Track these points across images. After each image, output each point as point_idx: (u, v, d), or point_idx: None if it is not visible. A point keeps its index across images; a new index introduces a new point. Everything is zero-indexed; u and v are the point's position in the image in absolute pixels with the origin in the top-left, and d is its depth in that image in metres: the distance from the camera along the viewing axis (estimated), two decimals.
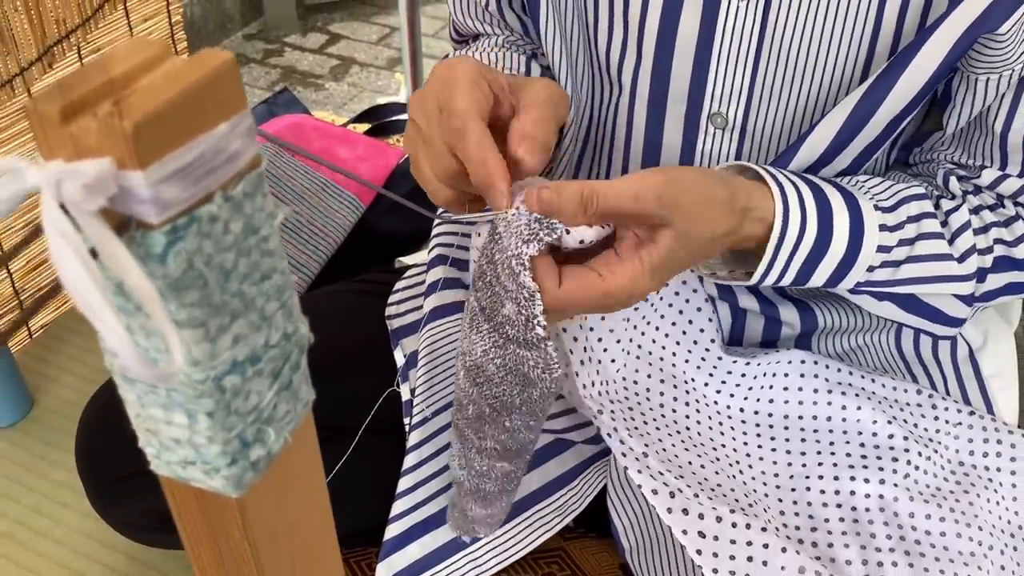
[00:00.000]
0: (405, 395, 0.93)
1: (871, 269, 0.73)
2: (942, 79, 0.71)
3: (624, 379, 0.78)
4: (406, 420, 0.91)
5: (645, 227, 0.62)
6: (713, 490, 0.74)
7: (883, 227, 0.72)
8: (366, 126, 1.65)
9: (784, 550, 0.68)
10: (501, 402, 0.65)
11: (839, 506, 0.75)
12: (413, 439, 0.88)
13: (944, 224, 0.76)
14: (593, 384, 0.74)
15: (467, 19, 0.92)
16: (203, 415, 0.31)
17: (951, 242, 0.75)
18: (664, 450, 0.75)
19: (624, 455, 0.72)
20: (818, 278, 0.72)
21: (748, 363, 0.81)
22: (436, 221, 1.00)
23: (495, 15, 0.89)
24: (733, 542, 0.69)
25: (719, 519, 0.70)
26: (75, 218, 0.25)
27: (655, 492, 0.71)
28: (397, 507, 0.86)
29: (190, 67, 0.27)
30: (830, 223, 0.70)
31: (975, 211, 0.77)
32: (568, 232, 0.60)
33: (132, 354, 0.24)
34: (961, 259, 0.75)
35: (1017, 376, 0.88)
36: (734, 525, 0.69)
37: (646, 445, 0.74)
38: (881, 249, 0.72)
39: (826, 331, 0.85)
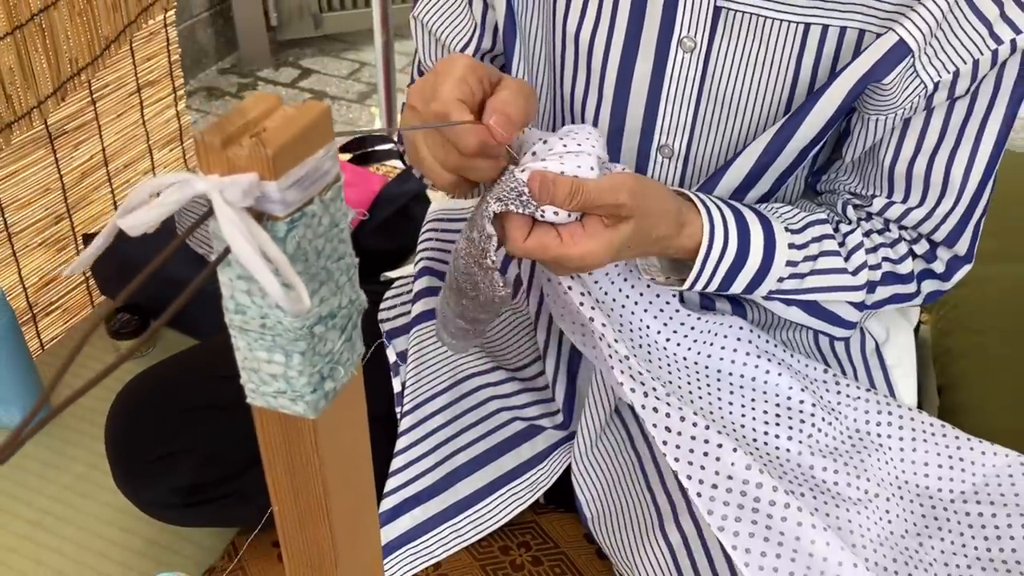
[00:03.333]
0: (396, 387, 1.05)
1: (781, 280, 0.87)
2: (841, 117, 0.85)
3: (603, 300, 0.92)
4: (398, 409, 1.03)
5: (612, 217, 0.75)
6: (680, 398, 0.86)
7: (791, 245, 0.86)
8: (347, 156, 1.78)
9: (735, 450, 0.80)
10: (460, 287, 0.81)
11: (757, 449, 0.88)
12: (404, 424, 1.00)
13: (841, 244, 0.90)
14: (582, 295, 0.85)
15: (433, 64, 1.00)
16: (297, 354, 0.44)
17: (847, 259, 0.89)
18: (639, 362, 0.87)
19: (610, 356, 0.83)
20: (737, 286, 0.86)
21: (699, 318, 0.94)
22: (421, 238, 1.13)
23: None
24: (693, 438, 0.81)
25: (682, 419, 0.82)
26: (231, 213, 0.38)
27: (633, 390, 0.82)
28: (390, 483, 0.98)
29: (301, 112, 0.41)
30: (747, 242, 0.84)
31: (867, 234, 0.92)
32: (543, 215, 0.73)
33: (281, 294, 0.37)
34: (855, 272, 0.89)
35: (915, 364, 1.02)
36: (695, 425, 0.81)
37: (629, 350, 0.86)
38: (789, 263, 0.86)
39: (754, 324, 0.99)
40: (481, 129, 0.70)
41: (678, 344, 0.93)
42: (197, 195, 0.40)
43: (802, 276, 0.88)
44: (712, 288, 0.85)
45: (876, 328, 1.03)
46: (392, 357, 1.07)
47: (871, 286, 0.91)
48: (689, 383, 0.92)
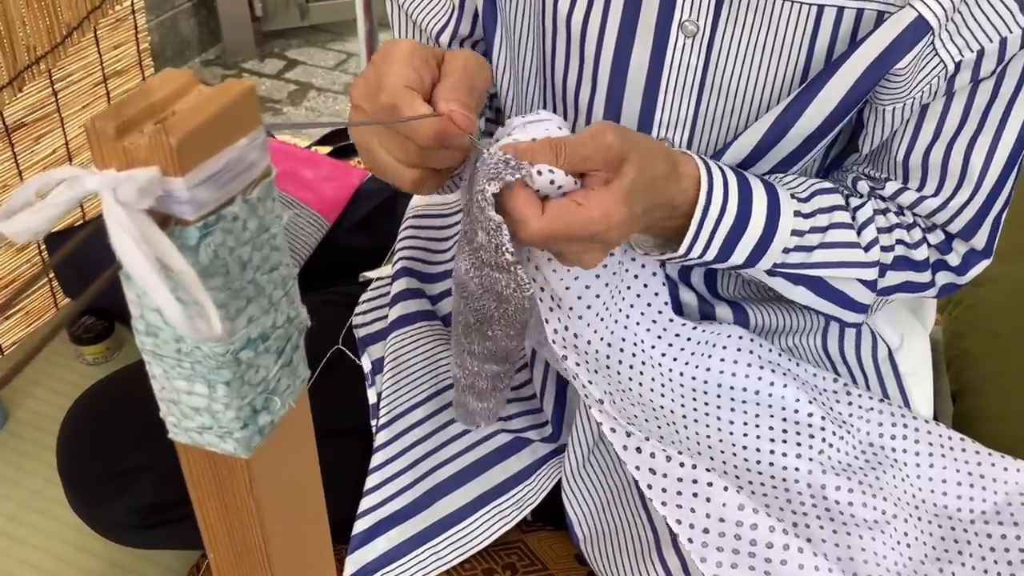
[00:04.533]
0: (372, 399, 0.98)
1: (787, 251, 0.80)
2: (852, 108, 0.78)
3: (585, 329, 0.84)
4: (373, 422, 0.96)
5: (610, 168, 0.67)
6: (661, 439, 0.80)
7: (797, 213, 0.79)
8: (328, 148, 1.71)
9: (726, 489, 0.74)
10: (482, 314, 0.72)
11: (760, 473, 0.82)
12: (380, 438, 0.93)
13: (853, 217, 0.83)
14: (556, 331, 0.79)
15: None
16: (221, 384, 0.37)
17: (858, 232, 0.83)
18: (615, 403, 0.81)
19: (586, 397, 0.77)
20: (738, 255, 0.78)
21: (694, 328, 0.87)
22: (400, 236, 1.06)
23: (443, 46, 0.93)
24: (680, 479, 0.74)
25: (668, 458, 0.75)
26: (127, 216, 0.31)
27: (613, 431, 0.76)
28: (365, 503, 0.91)
29: (217, 93, 0.33)
30: (749, 202, 0.77)
31: (882, 212, 0.85)
32: (540, 174, 0.65)
33: (182, 319, 0.30)
34: (867, 248, 0.82)
35: (931, 373, 0.96)
36: (682, 465, 0.75)
37: (604, 392, 0.80)
38: (795, 233, 0.79)
39: (758, 330, 0.92)
40: (439, 119, 0.63)
41: (674, 359, 0.86)
42: (88, 195, 0.33)
43: (809, 249, 0.81)
44: (710, 256, 0.78)
45: (889, 333, 0.96)
46: (367, 366, 1.00)
47: (882, 269, 0.84)
48: (683, 403, 0.85)
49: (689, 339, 0.87)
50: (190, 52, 3.12)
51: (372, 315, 1.05)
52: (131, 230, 0.30)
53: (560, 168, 0.66)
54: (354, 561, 0.88)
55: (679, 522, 0.73)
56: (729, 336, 0.88)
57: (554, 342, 0.77)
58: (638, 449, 0.75)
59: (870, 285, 0.84)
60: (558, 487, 0.92)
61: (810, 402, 0.85)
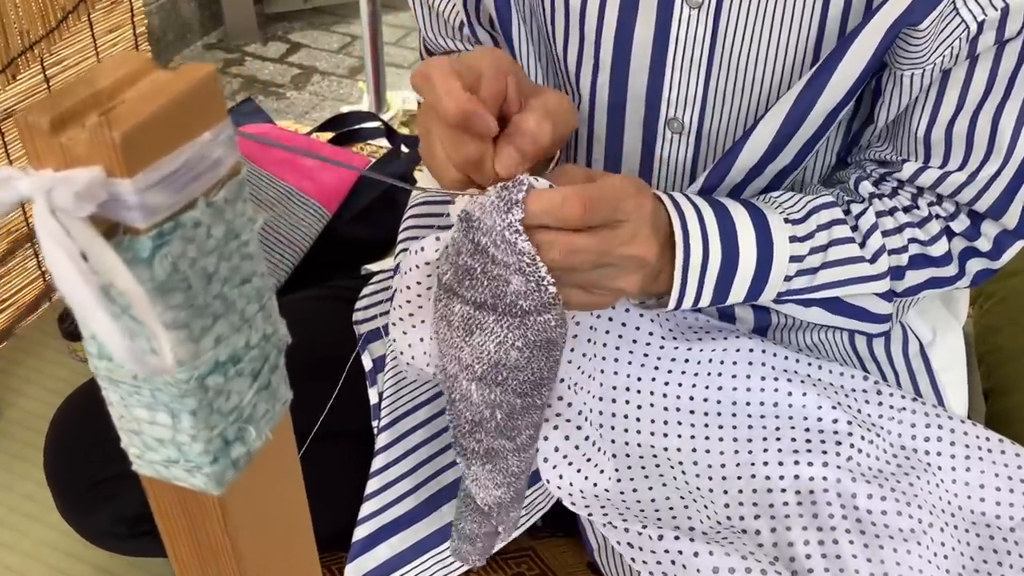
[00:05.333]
0: (373, 398, 0.94)
1: (788, 279, 0.75)
2: (872, 73, 0.73)
3: (567, 393, 0.79)
4: (374, 423, 0.92)
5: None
6: (639, 502, 0.76)
7: (793, 238, 0.74)
8: (329, 135, 1.66)
9: (712, 554, 0.70)
10: (532, 383, 0.64)
11: (784, 490, 0.77)
12: (381, 441, 0.89)
13: (855, 229, 0.78)
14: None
15: (437, 37, 0.92)
16: (186, 414, 0.32)
17: (862, 244, 0.78)
18: (587, 479, 0.77)
19: (549, 480, 0.75)
20: (735, 295, 0.74)
21: (691, 348, 0.82)
22: (402, 227, 1.01)
23: (465, 33, 0.89)
24: (667, 551, 0.71)
25: (647, 535, 0.71)
26: (65, 224, 0.26)
27: (587, 507, 0.73)
28: (366, 509, 0.87)
29: (174, 80, 0.29)
30: (735, 238, 0.72)
31: (889, 212, 0.80)
32: (537, 181, 0.61)
33: (125, 350, 0.25)
34: (873, 259, 0.77)
35: (965, 369, 0.91)
36: (660, 538, 0.71)
37: (576, 475, 0.76)
38: (794, 259, 0.74)
39: (781, 327, 0.88)
40: (466, 99, 0.59)
41: (679, 384, 0.82)
42: (24, 199, 0.28)
43: (813, 271, 0.76)
44: (704, 303, 0.73)
45: (921, 328, 0.91)
46: (368, 364, 0.95)
47: (896, 272, 0.79)
48: (693, 433, 0.81)
49: (687, 360, 0.82)
50: (191, 35, 3.07)
51: (374, 310, 1.01)
52: (63, 241, 0.25)
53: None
54: (355, 569, 0.84)
55: None
56: (738, 350, 0.83)
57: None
58: (613, 524, 0.72)
59: (885, 296, 0.80)
60: None
61: (834, 407, 0.80)
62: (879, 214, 0.79)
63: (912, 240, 0.79)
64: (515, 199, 0.59)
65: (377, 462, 0.89)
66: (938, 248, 0.80)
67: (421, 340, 0.71)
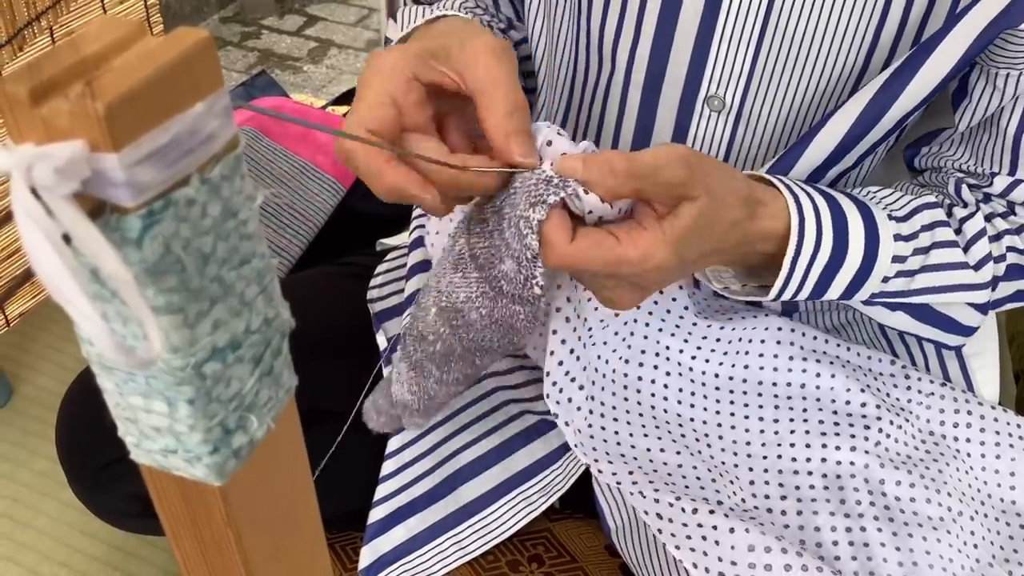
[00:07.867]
0: None
1: (886, 280, 0.71)
2: (958, 75, 0.69)
3: (597, 358, 0.77)
4: None
5: (667, 201, 0.59)
6: (670, 474, 0.74)
7: (898, 237, 0.71)
8: (345, 108, 1.63)
9: (732, 531, 0.68)
10: (477, 344, 0.65)
11: (810, 473, 0.75)
12: None
13: (958, 232, 0.75)
14: (553, 377, 0.73)
15: None
16: (183, 403, 0.30)
17: (966, 250, 0.74)
18: (619, 443, 0.75)
19: (578, 445, 0.73)
20: (834, 291, 0.70)
21: (723, 327, 0.80)
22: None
23: None
24: (685, 524, 0.69)
25: (670, 504, 0.70)
26: (47, 203, 0.24)
27: (615, 473, 0.71)
28: (381, 490, 0.86)
29: (165, 46, 0.27)
30: (846, 235, 0.68)
31: (988, 218, 0.76)
32: (580, 197, 0.57)
33: (108, 341, 0.23)
34: (977, 267, 0.74)
35: (997, 354, 0.88)
36: (682, 510, 0.69)
37: (604, 440, 0.75)
38: (896, 259, 0.71)
39: (810, 308, 0.85)
40: (396, 182, 0.57)
41: (706, 360, 0.80)
42: (3, 175, 0.26)
43: (911, 274, 0.72)
44: (803, 296, 0.69)
45: None
46: (382, 343, 0.94)
47: (995, 282, 0.75)
48: (719, 408, 0.79)
49: (719, 339, 0.80)
50: (208, 9, 3.05)
51: (388, 288, 0.99)
52: (41, 220, 0.23)
53: (614, 187, 0.57)
54: (370, 551, 0.83)
55: (695, 565, 0.68)
56: (767, 329, 0.80)
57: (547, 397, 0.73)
58: (643, 493, 0.70)
59: (981, 308, 0.75)
60: (588, 473, 0.86)
61: (862, 391, 0.78)
62: (987, 217, 0.75)
63: (1010, 248, 0.76)
64: (546, 200, 0.57)
65: (392, 443, 0.87)
66: None
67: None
